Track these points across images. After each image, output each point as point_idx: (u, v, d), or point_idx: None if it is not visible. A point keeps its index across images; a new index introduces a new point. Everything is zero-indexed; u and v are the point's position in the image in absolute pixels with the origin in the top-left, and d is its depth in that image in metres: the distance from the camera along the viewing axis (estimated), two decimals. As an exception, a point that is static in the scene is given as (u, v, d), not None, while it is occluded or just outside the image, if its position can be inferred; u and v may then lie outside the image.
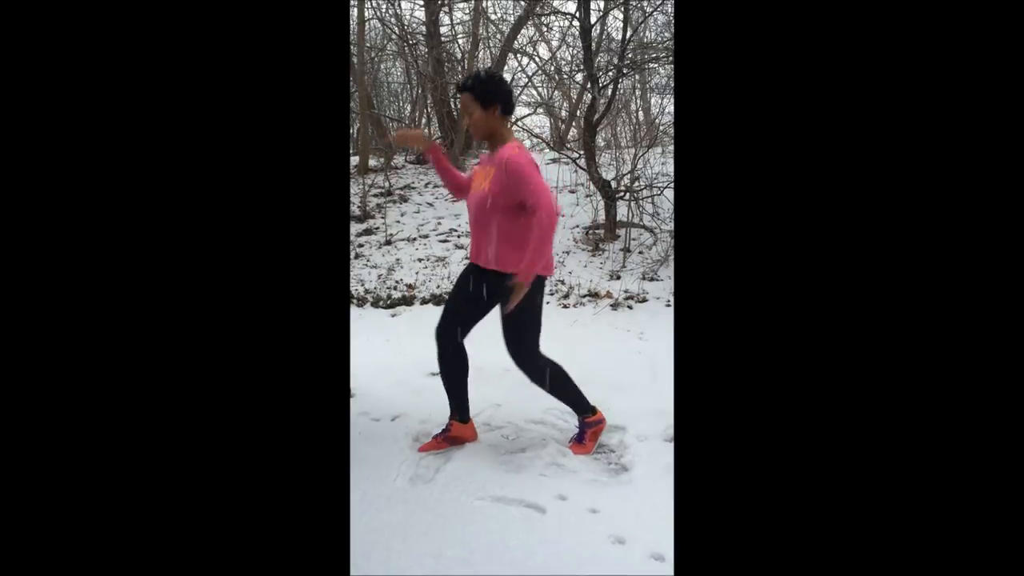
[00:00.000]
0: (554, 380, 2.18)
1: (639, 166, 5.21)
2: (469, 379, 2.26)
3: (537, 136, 7.79)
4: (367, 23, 7.72)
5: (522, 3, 7.06)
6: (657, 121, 6.58)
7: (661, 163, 5.53)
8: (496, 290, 2.07)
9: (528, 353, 2.12)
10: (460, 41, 8.43)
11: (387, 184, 6.89)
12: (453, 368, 2.21)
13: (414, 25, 8.24)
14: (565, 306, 4.18)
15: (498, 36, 7.96)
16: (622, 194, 5.17)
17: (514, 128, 7.71)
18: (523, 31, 7.59)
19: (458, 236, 5.58)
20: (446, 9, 8.08)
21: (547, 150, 7.47)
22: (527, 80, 7.76)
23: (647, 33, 6.11)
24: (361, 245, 5.52)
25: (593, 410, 2.27)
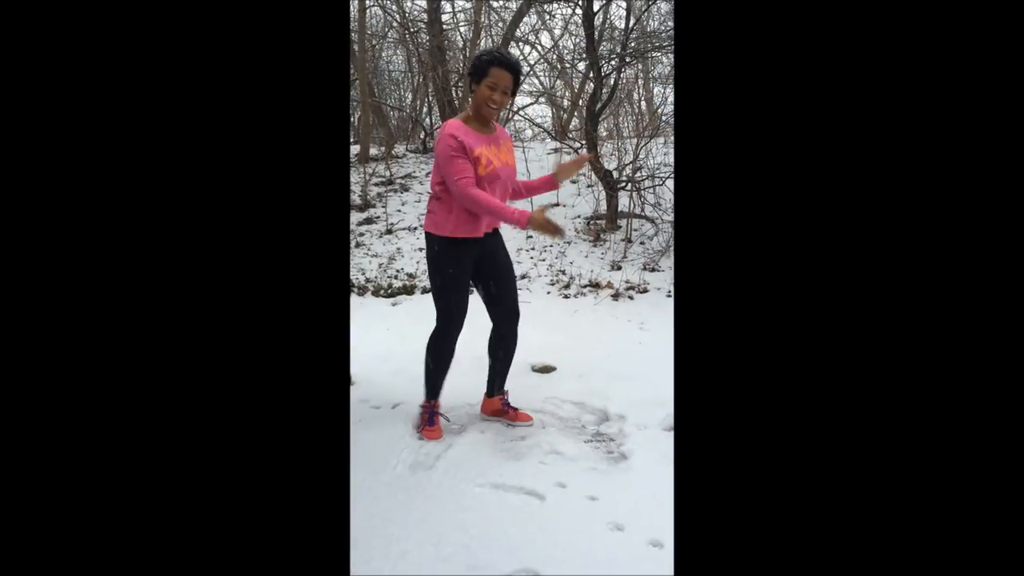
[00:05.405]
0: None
1: (641, 156, 5.19)
2: (469, 367, 2.43)
3: (539, 125, 7.76)
4: (368, 10, 7.67)
5: (524, -9, 7.01)
6: (659, 111, 6.54)
7: (663, 153, 5.50)
8: (497, 246, 2.26)
9: None
10: (462, 29, 8.37)
11: (388, 173, 6.86)
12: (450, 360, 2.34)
13: (415, 12, 8.19)
14: (566, 296, 4.18)
15: (500, 24, 7.91)
16: (624, 184, 5.15)
17: (516, 117, 7.69)
18: (525, 19, 7.54)
19: (459, 225, 5.55)
20: (447, -3, 8.01)
21: (549, 140, 7.44)
22: (529, 69, 7.71)
23: (650, 22, 6.05)
24: (362, 234, 5.51)
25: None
